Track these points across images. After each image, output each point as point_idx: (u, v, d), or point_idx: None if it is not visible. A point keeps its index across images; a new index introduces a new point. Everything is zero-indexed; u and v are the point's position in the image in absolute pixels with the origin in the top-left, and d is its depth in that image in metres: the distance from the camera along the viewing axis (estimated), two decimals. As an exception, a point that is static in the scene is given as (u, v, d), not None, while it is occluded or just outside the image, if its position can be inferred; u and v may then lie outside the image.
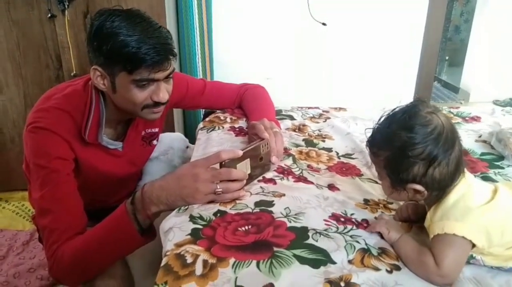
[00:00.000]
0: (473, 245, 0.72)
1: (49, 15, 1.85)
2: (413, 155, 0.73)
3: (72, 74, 1.93)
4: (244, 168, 0.95)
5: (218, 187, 0.89)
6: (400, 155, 0.75)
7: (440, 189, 0.76)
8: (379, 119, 0.81)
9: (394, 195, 0.81)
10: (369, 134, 0.83)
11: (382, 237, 0.82)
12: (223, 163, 0.91)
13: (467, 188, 0.76)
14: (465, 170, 0.79)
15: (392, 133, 0.76)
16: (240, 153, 0.92)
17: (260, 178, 1.02)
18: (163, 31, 0.96)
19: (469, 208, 0.74)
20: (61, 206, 0.96)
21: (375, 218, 0.89)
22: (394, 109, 0.80)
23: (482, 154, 1.23)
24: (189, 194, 0.89)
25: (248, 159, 0.96)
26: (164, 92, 0.99)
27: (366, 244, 0.80)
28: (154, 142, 1.25)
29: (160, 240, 0.84)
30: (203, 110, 1.65)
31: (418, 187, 0.75)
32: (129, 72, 0.93)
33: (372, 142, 0.82)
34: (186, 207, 0.89)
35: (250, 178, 0.98)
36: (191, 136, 1.66)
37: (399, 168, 0.76)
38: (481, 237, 0.72)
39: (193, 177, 0.89)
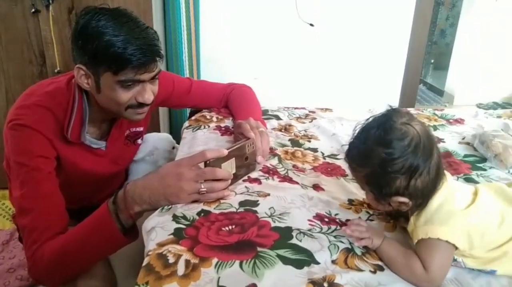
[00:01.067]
0: (456, 248, 0.73)
1: (33, 10, 1.81)
2: (393, 170, 0.73)
3: (55, 70, 1.90)
4: (229, 167, 0.95)
5: (203, 186, 0.88)
6: (380, 171, 0.74)
7: (424, 197, 0.76)
8: (354, 131, 0.81)
9: (381, 207, 0.82)
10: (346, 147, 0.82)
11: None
12: (208, 162, 0.90)
13: (449, 192, 0.77)
14: (446, 172, 0.79)
15: (369, 149, 0.76)
16: (225, 152, 0.91)
17: (245, 177, 1.02)
18: (150, 31, 0.94)
19: (452, 212, 0.74)
20: (42, 205, 0.94)
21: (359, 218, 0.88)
22: (368, 119, 0.79)
23: (465, 156, 1.25)
24: (173, 194, 0.88)
25: (234, 158, 0.95)
26: (149, 93, 0.98)
27: (350, 243, 0.80)
28: (139, 141, 1.23)
29: (143, 240, 0.83)
30: (189, 109, 1.64)
31: (402, 199, 0.75)
32: (114, 72, 0.91)
33: (351, 158, 0.81)
34: (170, 206, 0.88)
35: (235, 177, 0.98)
36: (177, 135, 1.65)
37: (380, 183, 0.76)
38: (464, 240, 0.73)
39: (177, 176, 0.88)
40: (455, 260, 0.75)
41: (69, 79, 1.03)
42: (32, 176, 0.94)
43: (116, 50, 0.88)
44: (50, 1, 1.79)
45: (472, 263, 0.75)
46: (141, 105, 0.99)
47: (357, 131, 0.80)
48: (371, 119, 0.79)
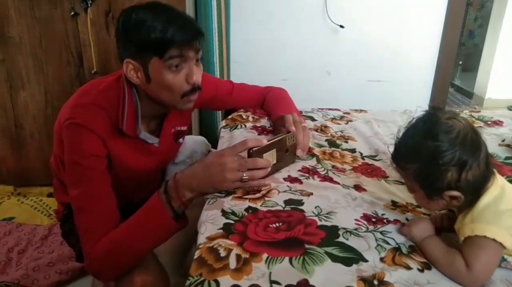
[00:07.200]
0: (503, 248, 0.72)
1: (72, 13, 1.87)
2: (444, 162, 0.73)
3: (92, 71, 1.95)
4: (270, 158, 1.00)
5: (244, 174, 0.94)
6: (431, 164, 0.74)
7: (475, 191, 0.75)
8: (398, 133, 0.82)
9: (431, 205, 0.80)
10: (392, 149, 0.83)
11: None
12: (251, 152, 0.95)
13: (499, 191, 0.76)
14: (496, 172, 0.79)
15: (418, 144, 0.76)
16: (265, 141, 0.98)
17: (286, 176, 1.04)
18: (186, 15, 0.99)
19: (500, 212, 0.74)
20: (96, 204, 0.97)
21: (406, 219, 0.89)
22: (411, 121, 0.80)
23: (507, 158, 1.23)
24: (218, 182, 0.93)
25: (274, 149, 1.01)
26: (197, 73, 1.01)
27: (396, 242, 0.80)
28: (181, 140, 1.26)
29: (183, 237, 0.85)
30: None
31: (455, 193, 0.75)
32: (160, 55, 0.95)
33: (398, 157, 0.81)
34: (216, 200, 0.92)
35: (276, 168, 1.03)
36: (208, 135, 1.68)
37: (432, 178, 0.75)
38: (510, 239, 0.72)
39: (221, 166, 0.93)
40: (504, 260, 0.75)
41: (118, 77, 1.06)
42: (86, 175, 0.97)
43: (158, 33, 0.93)
44: (89, 4, 1.85)
45: None
46: (193, 90, 1.01)
47: (401, 132, 0.81)
48: (414, 119, 0.80)
